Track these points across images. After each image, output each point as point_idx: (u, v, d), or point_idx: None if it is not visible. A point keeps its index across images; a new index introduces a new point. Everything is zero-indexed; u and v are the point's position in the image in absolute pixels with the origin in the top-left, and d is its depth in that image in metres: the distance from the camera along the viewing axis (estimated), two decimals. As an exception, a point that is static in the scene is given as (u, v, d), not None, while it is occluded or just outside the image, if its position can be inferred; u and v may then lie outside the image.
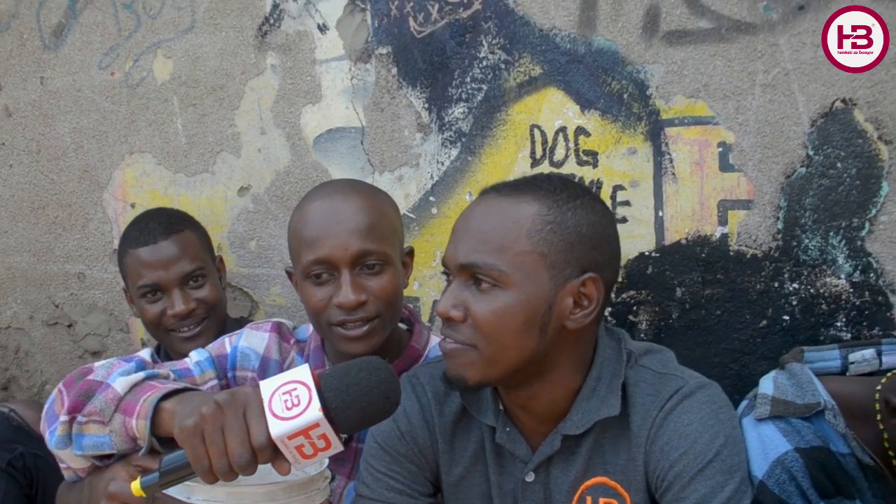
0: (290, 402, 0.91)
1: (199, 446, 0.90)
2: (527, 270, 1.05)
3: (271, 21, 1.91)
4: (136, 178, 2.13)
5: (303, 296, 1.34)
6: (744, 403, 1.25)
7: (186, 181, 2.07)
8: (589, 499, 1.12)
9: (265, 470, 0.95)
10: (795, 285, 1.56)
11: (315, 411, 0.89)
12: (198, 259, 1.74)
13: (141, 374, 1.15)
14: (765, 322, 1.59)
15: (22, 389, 2.38)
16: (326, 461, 1.12)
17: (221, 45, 1.96)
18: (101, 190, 2.18)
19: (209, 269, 1.78)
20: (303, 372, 0.94)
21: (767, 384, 1.24)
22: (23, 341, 2.37)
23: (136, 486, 0.94)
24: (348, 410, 0.92)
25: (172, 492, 0.98)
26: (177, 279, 1.70)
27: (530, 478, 1.14)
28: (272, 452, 0.91)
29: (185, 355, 1.64)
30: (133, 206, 2.13)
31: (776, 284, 1.57)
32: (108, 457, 1.12)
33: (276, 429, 0.89)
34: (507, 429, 1.15)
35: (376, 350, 1.34)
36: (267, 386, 0.93)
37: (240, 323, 1.80)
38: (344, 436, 1.01)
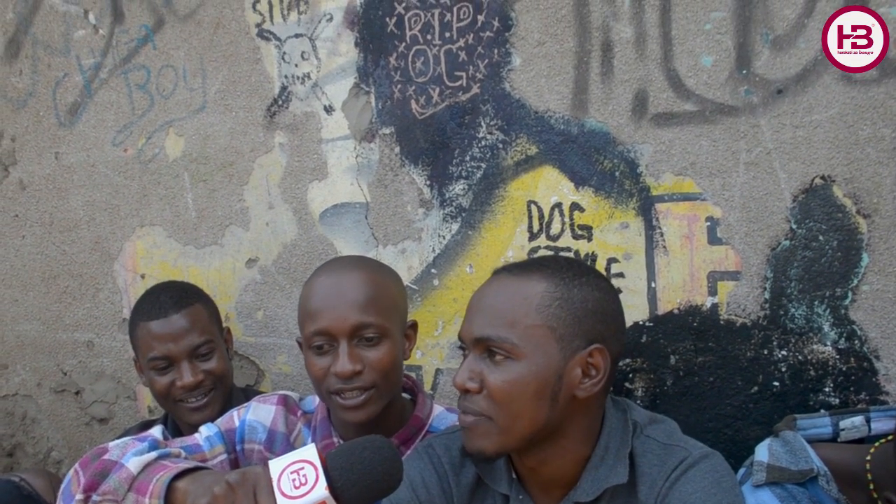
0: (298, 480, 0.96)
1: None
2: (537, 343, 1.13)
3: (280, 102, 2.00)
4: (147, 250, 2.20)
5: (306, 365, 1.41)
6: (742, 471, 1.31)
7: (196, 253, 2.14)
8: None
9: None
10: (784, 352, 1.62)
11: (322, 490, 0.95)
12: (206, 332, 1.79)
13: (154, 454, 1.20)
14: (756, 388, 1.64)
15: (27, 456, 2.40)
16: None
17: (231, 125, 2.06)
18: (111, 261, 2.25)
19: (217, 341, 1.82)
20: (310, 451, 0.99)
21: (763, 451, 1.30)
22: (29, 408, 2.40)
23: None
24: (353, 489, 0.97)
25: None
26: (186, 352, 1.75)
27: (541, 543, 1.19)
28: None
29: (193, 424, 1.70)
30: (143, 276, 2.20)
31: (765, 352, 1.63)
32: None
33: None
34: (521, 496, 1.20)
35: (377, 419, 1.40)
36: (276, 465, 0.98)
37: (245, 392, 1.86)
38: None
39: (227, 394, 1.81)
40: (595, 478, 1.16)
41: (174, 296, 1.81)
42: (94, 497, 1.16)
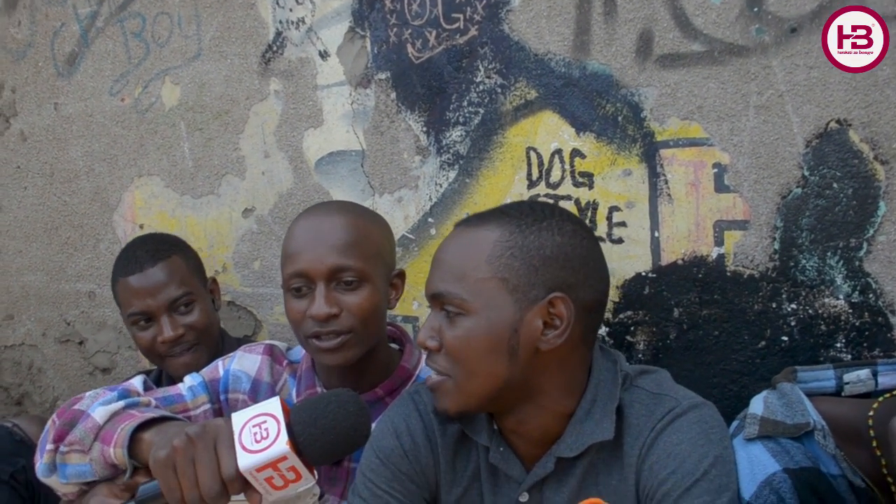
0: (260, 434, 0.92)
1: (171, 478, 0.92)
2: (488, 296, 1.07)
3: (274, 48, 1.95)
4: (145, 200, 2.18)
5: (285, 308, 1.37)
6: (735, 423, 1.24)
7: (193, 203, 2.11)
8: None
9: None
10: (793, 306, 1.55)
11: (282, 445, 0.91)
12: (185, 284, 1.74)
13: (121, 404, 1.18)
14: (763, 343, 1.58)
15: (35, 405, 2.43)
16: (314, 477, 1.14)
17: (227, 72, 2.01)
18: (111, 211, 2.23)
19: (198, 293, 1.78)
20: (273, 404, 0.95)
21: (757, 404, 1.23)
22: (35, 358, 2.42)
23: None
24: (316, 443, 0.93)
25: None
26: (164, 305, 1.71)
27: (524, 498, 1.15)
28: (242, 484, 0.92)
29: (182, 378, 1.67)
30: (142, 227, 2.18)
31: (774, 305, 1.56)
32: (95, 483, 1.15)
33: (245, 461, 0.91)
34: (501, 449, 1.16)
35: (361, 368, 1.37)
36: (238, 418, 0.95)
37: (240, 342, 1.83)
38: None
39: (215, 346, 1.78)
40: (580, 432, 1.11)
41: (150, 249, 1.77)
42: (62, 447, 1.15)
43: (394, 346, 1.48)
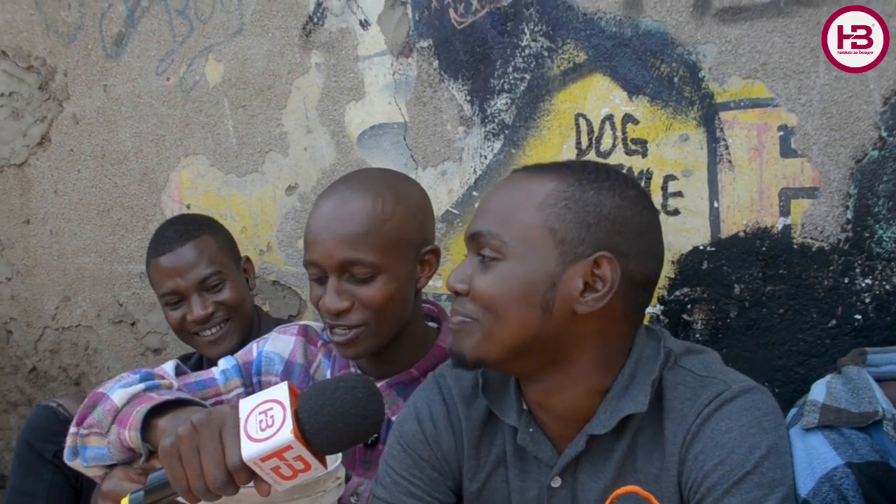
0: (265, 422, 0.86)
1: (176, 467, 0.88)
2: (531, 243, 1.00)
3: (315, 20, 1.90)
4: (191, 180, 2.17)
5: (309, 292, 1.32)
6: (793, 411, 1.12)
7: (237, 181, 2.09)
8: None
9: None
10: (868, 281, 1.42)
11: (287, 433, 0.85)
12: (215, 263, 1.72)
13: (140, 386, 1.15)
14: (834, 322, 1.45)
15: (91, 385, 2.46)
16: (339, 459, 1.08)
17: (268, 46, 1.97)
18: (159, 192, 2.23)
19: (229, 271, 1.75)
20: (280, 391, 0.89)
21: (819, 389, 1.11)
22: (91, 339, 2.45)
23: (125, 502, 0.93)
24: (323, 432, 0.86)
25: None
26: (194, 285, 1.70)
27: (556, 483, 1.07)
28: (249, 474, 0.87)
29: (212, 357, 1.66)
30: (188, 206, 2.17)
31: (846, 280, 1.43)
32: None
33: (248, 451, 0.85)
34: (531, 429, 1.08)
35: (393, 349, 1.31)
36: (246, 405, 0.89)
37: (279, 322, 1.79)
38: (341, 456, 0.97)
39: (247, 325, 1.75)
40: (614, 408, 1.03)
41: (180, 229, 1.76)
42: (81, 430, 1.14)
43: (432, 324, 1.41)
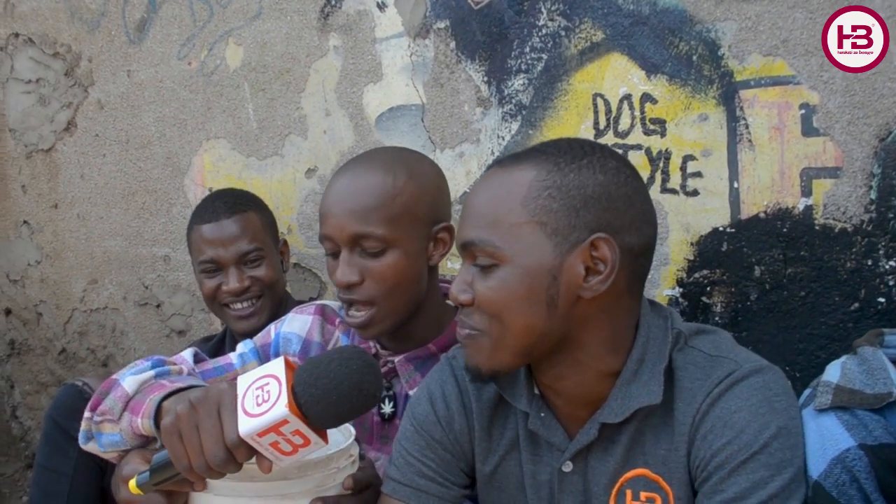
0: (262, 397, 0.87)
1: (177, 445, 0.89)
2: (524, 243, 0.98)
3: (332, 2, 1.90)
4: (213, 164, 2.19)
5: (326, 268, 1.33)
6: (807, 392, 1.09)
7: (258, 165, 2.10)
8: (629, 492, 1.02)
9: None
10: (892, 263, 1.39)
11: (282, 407, 0.85)
12: (257, 240, 1.76)
13: (151, 373, 1.17)
14: (857, 304, 1.42)
15: (119, 366, 2.50)
16: (352, 433, 1.08)
17: (287, 30, 1.98)
18: (182, 176, 2.26)
19: (268, 250, 1.79)
20: (276, 365, 0.90)
21: (833, 370, 1.08)
22: (118, 321, 2.50)
23: (132, 484, 0.94)
24: (318, 405, 0.86)
25: None
26: (234, 257, 1.73)
27: (568, 468, 1.06)
28: (249, 450, 0.87)
29: (239, 332, 1.69)
30: (210, 190, 2.19)
31: (869, 262, 1.40)
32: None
33: (245, 426, 0.86)
34: (542, 414, 1.07)
35: (409, 326, 1.31)
36: (243, 381, 0.90)
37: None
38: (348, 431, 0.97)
39: (276, 305, 1.77)
40: (625, 395, 1.01)
41: (229, 202, 1.80)
42: (95, 417, 1.16)
43: (449, 303, 1.42)
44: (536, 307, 0.98)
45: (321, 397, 0.87)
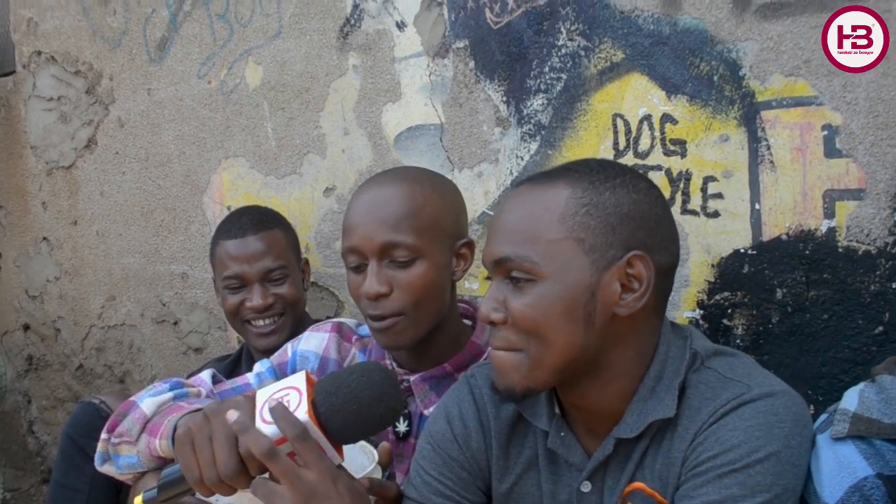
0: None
1: (188, 456, 0.89)
2: (562, 258, 0.98)
3: (352, 22, 1.91)
4: (232, 182, 2.20)
5: (347, 284, 1.33)
6: (822, 417, 1.07)
7: (276, 183, 2.11)
8: None
9: None
10: (918, 286, 1.37)
11: (302, 414, 0.86)
12: (281, 258, 1.77)
13: (169, 395, 1.17)
14: (880, 328, 1.40)
15: (135, 383, 2.52)
16: (377, 458, 1.08)
17: (306, 49, 1.99)
18: (201, 194, 2.27)
19: (292, 268, 1.80)
20: (298, 379, 0.91)
21: (851, 398, 1.06)
22: (135, 337, 2.51)
23: (138, 500, 0.94)
24: (338, 415, 0.87)
25: None
26: (259, 274, 1.74)
27: (587, 488, 1.06)
28: (262, 463, 0.87)
29: (260, 349, 1.70)
30: (229, 208, 2.20)
31: (894, 285, 1.38)
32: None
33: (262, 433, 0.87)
34: (563, 434, 1.07)
35: (426, 344, 1.31)
36: (263, 393, 0.91)
37: (318, 323, 1.81)
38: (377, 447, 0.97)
39: (297, 323, 1.78)
40: (641, 411, 1.01)
41: (254, 218, 1.81)
42: (113, 439, 1.16)
43: (467, 322, 1.41)
44: (575, 324, 0.98)
45: (341, 406, 0.88)
